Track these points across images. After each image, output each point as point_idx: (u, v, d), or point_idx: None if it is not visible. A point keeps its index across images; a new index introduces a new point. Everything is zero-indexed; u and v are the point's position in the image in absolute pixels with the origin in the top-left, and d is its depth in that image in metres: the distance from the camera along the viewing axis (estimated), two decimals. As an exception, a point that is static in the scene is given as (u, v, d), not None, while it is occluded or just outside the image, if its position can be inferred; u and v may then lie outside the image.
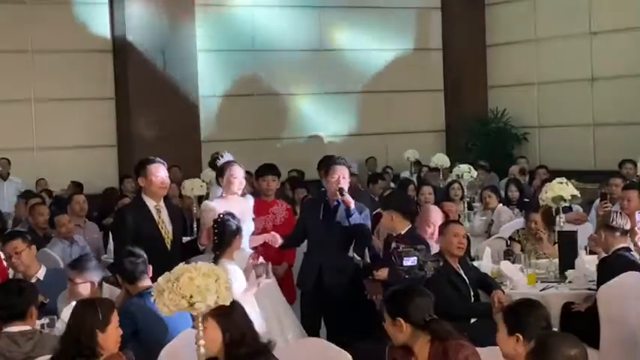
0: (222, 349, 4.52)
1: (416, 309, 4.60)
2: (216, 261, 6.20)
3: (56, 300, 6.31)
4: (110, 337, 4.72)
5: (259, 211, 8.18)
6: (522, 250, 8.40)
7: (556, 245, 8.21)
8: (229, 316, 4.51)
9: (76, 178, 13.46)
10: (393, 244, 7.06)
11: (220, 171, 7.45)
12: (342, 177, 7.45)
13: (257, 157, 13.21)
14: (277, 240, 7.55)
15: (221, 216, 6.72)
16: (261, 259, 6.45)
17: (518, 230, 8.91)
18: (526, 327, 4.24)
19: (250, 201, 7.59)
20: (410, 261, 6.51)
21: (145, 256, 6.02)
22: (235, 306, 4.61)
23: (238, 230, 6.67)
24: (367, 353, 5.62)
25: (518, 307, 4.41)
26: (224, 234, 6.60)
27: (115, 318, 4.78)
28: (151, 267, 5.95)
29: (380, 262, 7.42)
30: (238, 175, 7.43)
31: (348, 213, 7.35)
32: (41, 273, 6.99)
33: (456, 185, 11.25)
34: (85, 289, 6.04)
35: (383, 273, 7.14)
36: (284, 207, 8.61)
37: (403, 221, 7.35)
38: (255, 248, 7.59)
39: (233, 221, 6.69)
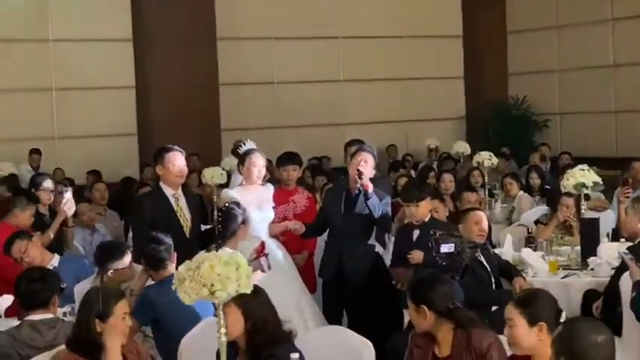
0: (244, 335, 4.54)
1: (440, 297, 4.59)
2: (217, 249, 6.18)
3: (70, 285, 6.34)
4: (112, 327, 4.64)
5: (280, 199, 8.17)
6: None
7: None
8: (251, 301, 4.53)
9: (96, 166, 13.50)
10: (419, 230, 7.04)
11: (241, 159, 7.45)
12: (363, 161, 7.42)
13: (277, 145, 13.23)
14: (301, 228, 7.55)
15: (226, 205, 6.73)
16: (265, 250, 6.43)
17: (546, 214, 8.87)
18: (547, 314, 4.20)
19: (270, 189, 7.58)
20: (447, 247, 6.48)
21: (169, 242, 6.03)
22: (258, 292, 4.62)
23: (244, 220, 6.67)
24: (386, 341, 5.63)
25: (533, 297, 4.35)
26: (228, 223, 6.61)
27: (120, 309, 4.71)
28: (175, 254, 5.95)
29: (396, 250, 7.41)
30: (258, 164, 7.42)
31: (366, 196, 7.33)
32: (55, 261, 7.04)
33: (476, 173, 11.22)
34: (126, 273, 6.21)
35: (418, 256, 7.06)
36: (305, 195, 8.59)
37: (428, 209, 7.36)
38: (276, 236, 7.61)
39: (238, 211, 6.68)
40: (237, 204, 6.80)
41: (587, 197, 8.39)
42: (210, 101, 15.21)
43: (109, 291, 4.90)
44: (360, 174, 7.33)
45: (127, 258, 6.28)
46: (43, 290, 5.39)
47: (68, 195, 7.97)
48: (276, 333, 4.58)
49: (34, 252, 6.95)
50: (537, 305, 4.26)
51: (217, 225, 6.73)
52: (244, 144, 7.49)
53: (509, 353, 4.43)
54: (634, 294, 6.04)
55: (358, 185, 7.37)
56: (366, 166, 7.41)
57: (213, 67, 15.33)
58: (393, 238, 8.03)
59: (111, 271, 6.21)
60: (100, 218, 10.03)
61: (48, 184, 8.66)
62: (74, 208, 8.05)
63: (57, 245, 7.97)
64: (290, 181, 8.52)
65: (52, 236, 7.86)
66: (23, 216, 7.97)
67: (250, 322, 4.53)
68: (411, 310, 4.68)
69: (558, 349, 3.59)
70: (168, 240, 6.05)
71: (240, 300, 4.46)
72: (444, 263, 6.46)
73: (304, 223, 7.65)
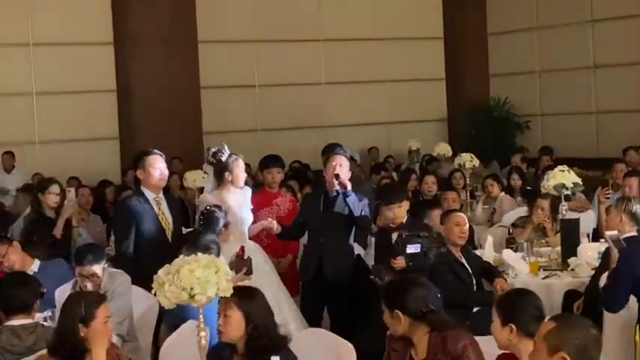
0: (244, 337, 4.56)
1: (413, 300, 4.60)
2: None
3: (51, 290, 6.32)
4: (96, 331, 4.65)
5: (263, 202, 8.21)
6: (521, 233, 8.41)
7: (558, 234, 8.21)
8: (252, 303, 4.58)
9: (78, 171, 13.45)
10: (397, 232, 7.05)
11: (226, 165, 7.46)
12: (339, 165, 7.47)
13: (259, 148, 13.25)
14: (274, 226, 7.56)
15: (207, 208, 6.76)
16: (246, 255, 6.45)
17: (522, 217, 8.90)
18: (519, 317, 4.24)
19: (248, 192, 7.63)
20: (413, 248, 6.51)
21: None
22: (258, 294, 4.65)
23: (225, 224, 6.70)
24: (368, 343, 5.63)
25: (511, 298, 4.41)
26: (209, 226, 6.63)
27: (102, 313, 4.71)
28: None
29: (377, 253, 7.41)
30: (244, 170, 7.56)
31: (346, 194, 7.36)
32: (35, 266, 6.98)
33: (458, 174, 11.24)
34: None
35: (401, 261, 7.03)
36: (288, 198, 8.63)
37: (406, 210, 7.38)
38: (260, 240, 7.62)
39: (220, 213, 6.72)
40: (219, 207, 6.84)
41: (567, 198, 8.43)
42: (192, 104, 15.17)
43: (90, 295, 4.90)
44: (337, 176, 7.38)
45: (98, 267, 6.15)
46: (24, 295, 5.38)
47: (71, 195, 8.17)
48: (275, 338, 4.61)
49: (14, 256, 6.91)
50: (512, 307, 4.29)
51: (199, 228, 6.75)
52: (224, 151, 7.51)
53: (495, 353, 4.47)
54: (606, 282, 6.07)
55: (336, 186, 7.40)
56: (342, 169, 7.46)
57: (194, 70, 15.29)
58: (374, 240, 8.06)
59: (77, 273, 6.14)
60: (82, 223, 10.00)
61: (54, 188, 8.78)
62: (77, 207, 8.17)
63: (64, 245, 8.07)
64: (274, 184, 8.56)
65: (57, 236, 8.10)
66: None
67: (251, 325, 4.57)
68: (385, 315, 4.69)
69: (557, 343, 3.56)
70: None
71: (241, 302, 4.53)
72: (410, 263, 6.49)
73: (284, 226, 7.68)
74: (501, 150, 15.96)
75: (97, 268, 6.10)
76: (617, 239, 6.32)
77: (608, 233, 6.63)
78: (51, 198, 8.70)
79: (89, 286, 6.00)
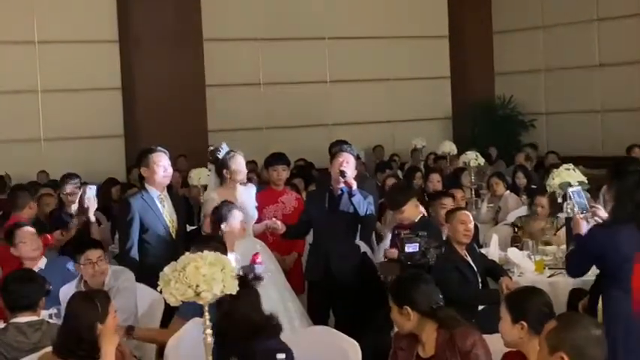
0: None
1: (423, 297, 4.60)
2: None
3: (56, 288, 6.33)
4: (109, 326, 4.71)
5: (269, 200, 8.20)
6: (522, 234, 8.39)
7: (558, 233, 8.19)
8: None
9: (82, 168, 13.44)
10: (396, 231, 7.06)
11: (225, 162, 7.48)
12: (345, 162, 7.45)
13: (264, 146, 13.25)
14: (278, 226, 7.56)
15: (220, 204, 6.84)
16: (258, 260, 6.47)
17: (521, 217, 8.89)
18: (531, 315, 4.24)
19: (252, 189, 7.63)
20: (412, 247, 6.50)
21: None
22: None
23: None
24: (373, 342, 5.63)
25: (522, 295, 4.42)
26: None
27: (112, 307, 4.79)
28: None
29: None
30: (243, 166, 7.57)
31: (351, 193, 7.35)
32: (42, 263, 7.01)
33: (466, 172, 11.23)
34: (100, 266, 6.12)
35: (393, 253, 7.02)
36: (294, 196, 8.61)
37: (417, 209, 7.37)
38: (265, 237, 7.63)
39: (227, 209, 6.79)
40: (231, 202, 6.90)
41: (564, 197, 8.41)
42: (197, 103, 15.18)
43: (99, 293, 4.95)
44: (342, 173, 7.36)
45: (101, 251, 6.21)
46: (30, 292, 5.38)
47: (90, 192, 8.16)
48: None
49: (35, 243, 6.99)
50: (523, 304, 4.30)
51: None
52: (221, 149, 7.52)
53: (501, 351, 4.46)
54: (572, 247, 6.03)
55: (341, 184, 7.40)
56: (348, 166, 7.44)
57: (199, 68, 15.30)
58: (379, 238, 8.06)
59: (83, 261, 6.16)
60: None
61: (74, 182, 8.87)
62: (95, 205, 8.18)
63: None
64: (279, 181, 8.55)
65: (73, 233, 8.18)
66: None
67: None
68: (394, 312, 4.68)
69: (555, 343, 3.58)
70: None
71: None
72: (408, 263, 6.49)
73: (288, 225, 7.68)
74: (506, 148, 15.95)
75: (101, 252, 6.16)
76: (584, 205, 6.27)
77: (571, 190, 6.57)
78: (69, 195, 8.79)
79: (97, 270, 6.05)
